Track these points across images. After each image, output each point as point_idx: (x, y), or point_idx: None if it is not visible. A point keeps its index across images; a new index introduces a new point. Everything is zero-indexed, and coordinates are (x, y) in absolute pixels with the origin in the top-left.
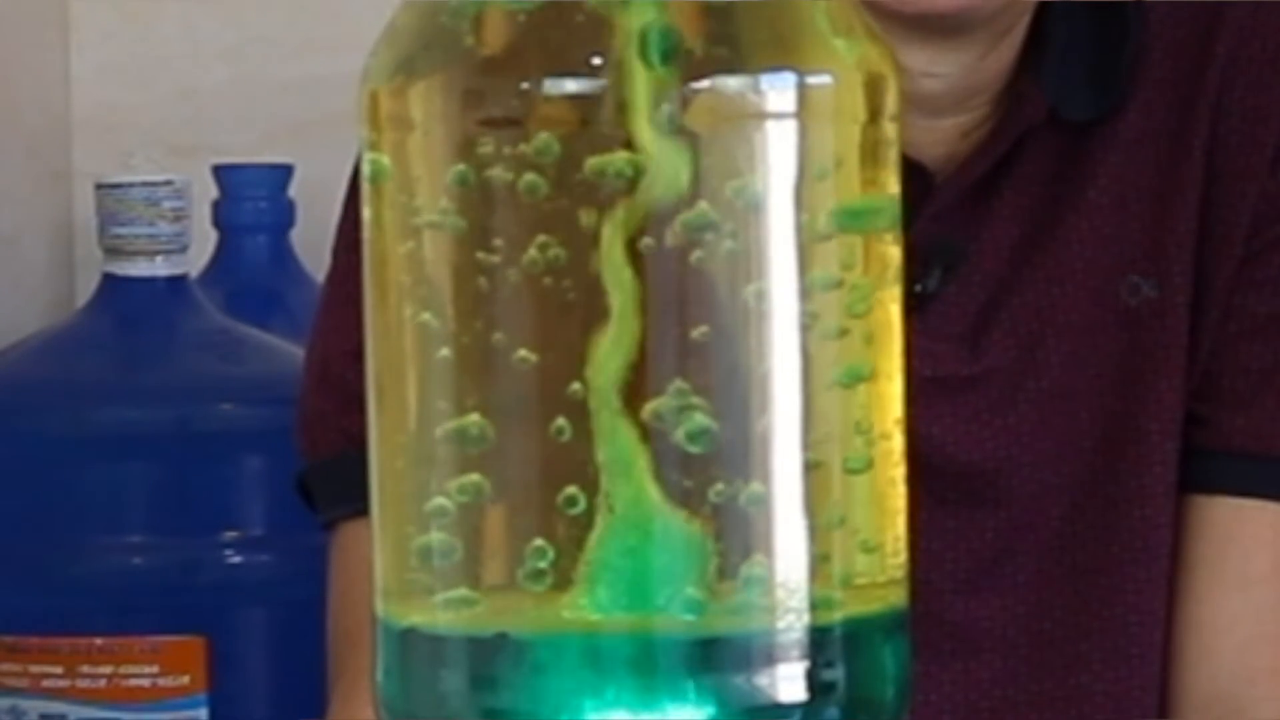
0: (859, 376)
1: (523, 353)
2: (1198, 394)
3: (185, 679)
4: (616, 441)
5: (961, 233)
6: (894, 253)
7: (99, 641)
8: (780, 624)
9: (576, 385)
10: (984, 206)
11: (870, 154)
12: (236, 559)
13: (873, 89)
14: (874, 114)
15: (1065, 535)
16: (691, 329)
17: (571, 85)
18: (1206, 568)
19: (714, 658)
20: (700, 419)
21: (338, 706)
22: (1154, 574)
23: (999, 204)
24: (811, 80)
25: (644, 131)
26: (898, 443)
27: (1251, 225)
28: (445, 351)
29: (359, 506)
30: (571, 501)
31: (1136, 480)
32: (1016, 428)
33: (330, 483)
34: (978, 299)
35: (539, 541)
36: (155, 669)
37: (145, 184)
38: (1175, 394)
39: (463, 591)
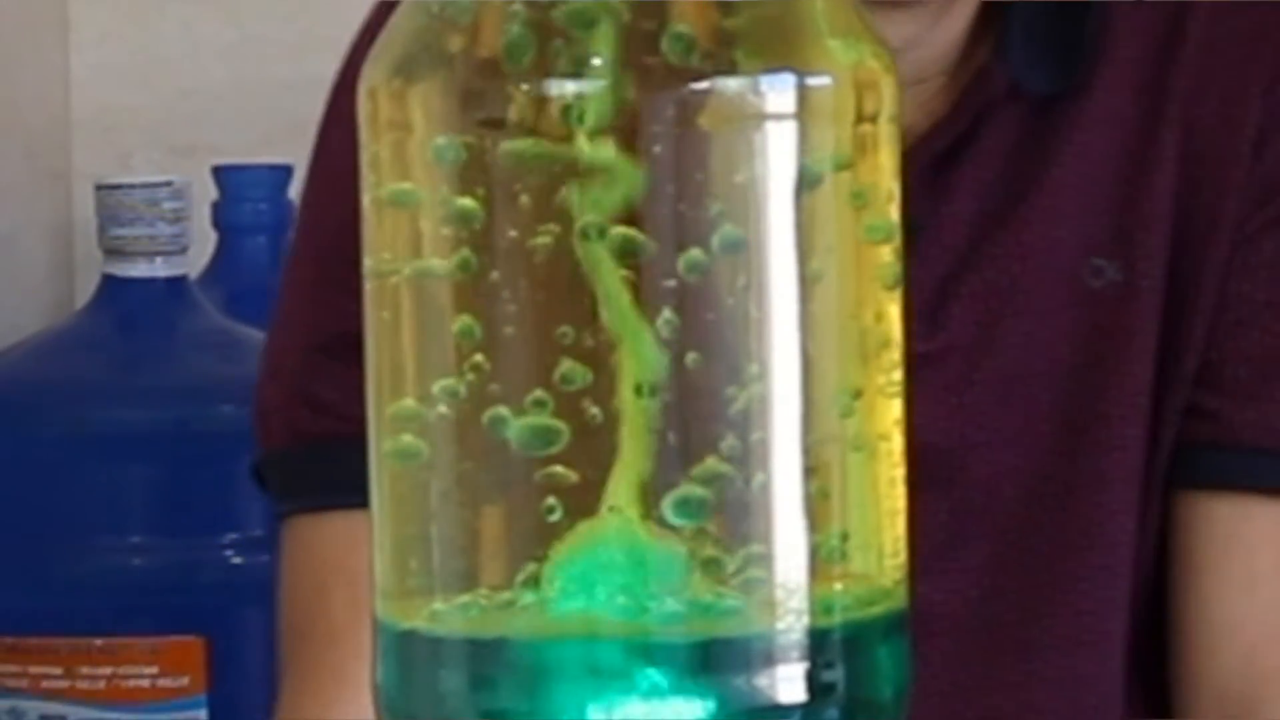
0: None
1: (520, 351)
2: (1200, 385)
3: (185, 679)
4: (615, 442)
5: (920, 206)
6: (895, 252)
7: (99, 642)
8: (780, 625)
9: (575, 386)
10: (944, 180)
11: (870, 154)
12: (236, 559)
13: (872, 89)
14: (873, 114)
15: (1020, 519)
16: (690, 327)
17: (571, 86)
18: (1211, 567)
19: (713, 659)
20: (699, 417)
21: (287, 701)
22: (1110, 561)
23: (959, 177)
24: (811, 81)
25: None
26: (897, 443)
27: (1240, 209)
28: (445, 351)
29: (305, 502)
30: (571, 503)
31: (1095, 466)
32: (973, 407)
33: (280, 475)
34: (936, 273)
35: (538, 543)
36: (155, 669)
37: (145, 184)
38: (1141, 380)
39: (462, 593)
